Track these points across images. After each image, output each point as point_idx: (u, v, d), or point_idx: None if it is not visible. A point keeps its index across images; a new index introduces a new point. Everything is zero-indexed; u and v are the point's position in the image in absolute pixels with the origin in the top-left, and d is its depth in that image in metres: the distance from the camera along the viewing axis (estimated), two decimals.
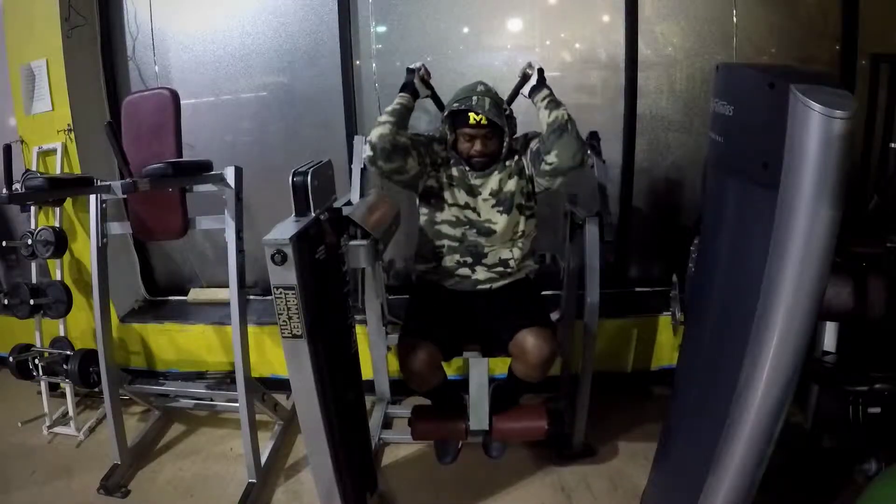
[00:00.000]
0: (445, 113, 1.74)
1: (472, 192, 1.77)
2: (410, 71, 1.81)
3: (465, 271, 1.79)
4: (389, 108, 1.71)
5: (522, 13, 2.38)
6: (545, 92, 1.73)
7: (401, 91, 1.78)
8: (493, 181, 1.76)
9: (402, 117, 1.70)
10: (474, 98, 1.65)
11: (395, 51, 2.36)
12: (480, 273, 1.78)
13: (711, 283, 1.33)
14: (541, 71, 1.76)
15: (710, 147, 1.30)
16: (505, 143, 1.73)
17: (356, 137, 2.06)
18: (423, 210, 1.83)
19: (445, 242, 1.79)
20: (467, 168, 1.77)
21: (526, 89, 1.78)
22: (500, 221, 1.75)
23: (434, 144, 1.79)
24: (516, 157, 1.78)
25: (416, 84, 1.79)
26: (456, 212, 1.77)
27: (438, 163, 1.78)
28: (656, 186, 2.47)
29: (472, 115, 1.64)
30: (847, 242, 1.45)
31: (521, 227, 1.79)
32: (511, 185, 1.75)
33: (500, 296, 1.79)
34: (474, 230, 1.76)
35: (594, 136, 2.02)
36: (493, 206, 1.76)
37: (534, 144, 1.73)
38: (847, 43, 2.29)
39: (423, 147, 1.76)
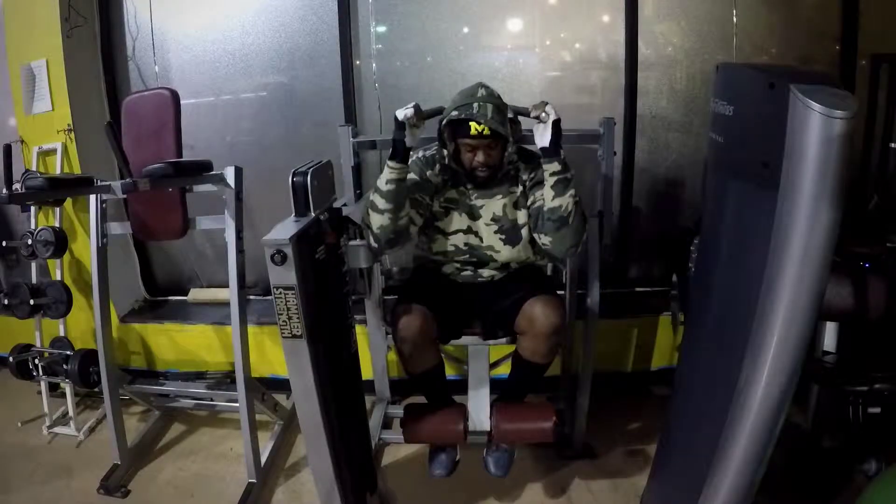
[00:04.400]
0: (444, 122, 1.56)
1: (473, 214, 1.66)
2: (400, 125, 1.49)
3: (466, 274, 1.75)
4: (384, 188, 1.50)
5: (522, 13, 2.37)
6: (555, 166, 1.50)
7: (391, 157, 1.51)
8: (496, 205, 1.65)
9: (399, 198, 1.51)
10: (475, 105, 1.48)
11: (395, 51, 2.36)
12: (484, 273, 1.74)
13: (711, 283, 1.33)
14: (556, 125, 1.49)
15: (710, 147, 1.31)
16: (507, 152, 1.60)
17: (340, 129, 1.96)
18: (422, 238, 1.72)
19: (442, 259, 1.73)
20: (468, 186, 1.66)
21: (538, 139, 1.52)
22: (503, 251, 1.67)
23: (428, 173, 1.64)
24: (521, 188, 1.65)
25: (409, 140, 1.51)
26: (455, 240, 1.67)
27: (433, 192, 1.65)
28: (656, 186, 2.47)
29: (473, 124, 1.49)
30: (847, 242, 1.45)
31: (532, 258, 1.74)
32: (520, 217, 1.66)
33: (505, 280, 1.73)
34: (475, 258, 1.69)
35: (609, 122, 1.85)
36: (495, 233, 1.66)
37: (538, 196, 1.58)
38: (847, 43, 2.29)
39: (420, 193, 1.62)
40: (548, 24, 2.38)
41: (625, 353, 2.37)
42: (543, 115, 1.50)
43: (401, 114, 1.49)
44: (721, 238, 1.28)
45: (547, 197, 1.52)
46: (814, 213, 0.99)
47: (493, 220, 1.65)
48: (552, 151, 1.50)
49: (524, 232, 1.66)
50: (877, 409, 1.67)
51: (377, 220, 1.52)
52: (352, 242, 1.59)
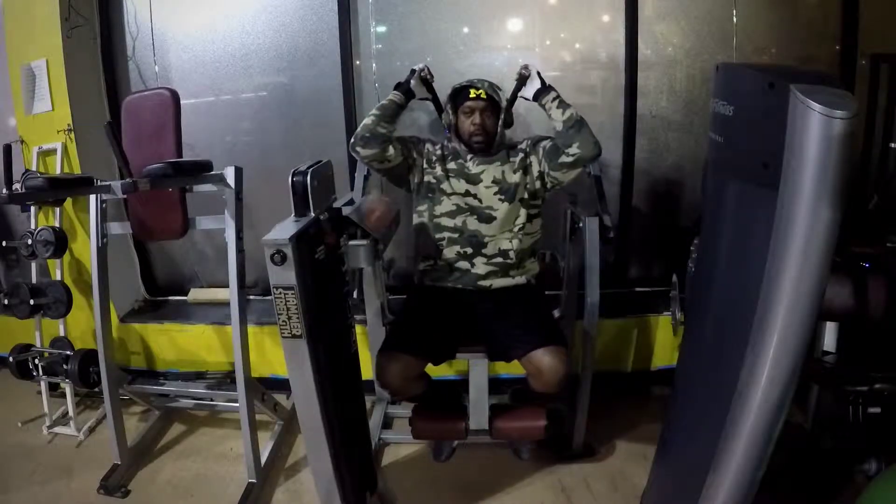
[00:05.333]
0: (448, 96, 1.84)
1: (473, 180, 1.82)
2: (413, 72, 1.85)
3: (464, 264, 1.80)
4: (380, 104, 1.80)
5: (522, 13, 2.37)
6: (553, 94, 1.76)
7: (396, 88, 1.83)
8: (495, 170, 1.82)
9: (388, 111, 1.77)
10: (474, 80, 1.80)
11: (395, 51, 2.36)
12: (480, 266, 1.80)
13: (711, 283, 1.33)
14: (539, 74, 1.81)
15: (710, 147, 1.30)
16: (500, 124, 1.80)
17: None
18: (421, 207, 1.85)
19: (445, 235, 1.81)
20: (467, 157, 1.83)
21: (528, 92, 1.81)
22: (500, 209, 1.80)
23: (428, 144, 1.87)
24: (521, 155, 1.83)
25: (413, 85, 1.83)
26: (456, 200, 1.81)
27: (433, 160, 1.84)
28: (656, 186, 2.47)
29: (472, 89, 1.77)
30: (847, 242, 1.45)
31: (522, 219, 1.82)
32: (516, 177, 1.81)
33: (504, 300, 1.78)
34: (474, 216, 1.80)
35: None
36: (495, 194, 1.81)
37: (546, 143, 1.80)
38: (847, 43, 2.29)
39: (412, 144, 1.86)
40: (548, 24, 2.38)
41: (625, 353, 2.37)
42: (525, 71, 1.81)
43: (416, 67, 1.86)
44: (721, 238, 1.28)
45: (556, 118, 1.74)
46: (814, 213, 0.98)
47: (493, 182, 1.82)
48: (545, 88, 1.78)
49: (520, 190, 1.82)
50: (877, 409, 1.67)
51: (363, 122, 1.77)
52: (352, 242, 1.59)
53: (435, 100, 1.93)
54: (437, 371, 1.82)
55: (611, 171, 2.39)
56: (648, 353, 2.37)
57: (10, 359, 2.29)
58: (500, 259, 1.80)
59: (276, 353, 2.34)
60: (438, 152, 1.86)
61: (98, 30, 2.40)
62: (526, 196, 1.82)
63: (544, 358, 1.59)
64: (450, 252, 1.81)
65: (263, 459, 1.98)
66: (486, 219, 1.80)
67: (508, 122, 1.85)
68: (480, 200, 1.81)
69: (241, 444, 1.91)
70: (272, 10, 2.35)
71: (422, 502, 1.87)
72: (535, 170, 1.82)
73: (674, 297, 1.92)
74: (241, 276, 1.80)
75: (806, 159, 0.96)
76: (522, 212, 1.82)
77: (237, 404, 1.88)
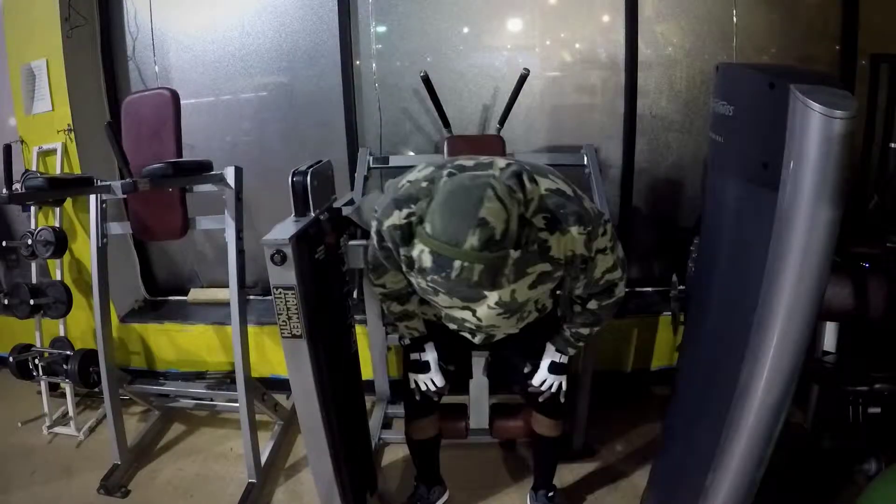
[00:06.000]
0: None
1: (473, 298, 1.26)
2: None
3: (466, 335, 1.52)
4: (395, 311, 1.48)
5: (522, 13, 2.37)
6: (571, 352, 1.49)
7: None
8: (503, 293, 1.30)
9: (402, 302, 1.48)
10: (456, 266, 0.98)
11: (395, 51, 2.36)
12: (479, 339, 1.53)
13: (711, 283, 1.33)
14: (553, 365, 1.48)
15: (710, 147, 1.31)
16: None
17: (361, 150, 2.15)
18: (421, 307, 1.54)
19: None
20: None
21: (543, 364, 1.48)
22: (504, 325, 1.43)
23: (401, 250, 1.36)
24: (547, 265, 1.24)
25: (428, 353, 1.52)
26: (451, 313, 1.44)
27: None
28: (656, 186, 2.47)
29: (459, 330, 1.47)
30: (847, 242, 1.45)
31: (533, 317, 1.47)
32: (532, 294, 1.32)
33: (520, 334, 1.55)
34: (471, 334, 1.51)
35: (590, 148, 2.06)
36: (498, 315, 1.38)
37: (579, 287, 1.36)
38: (847, 43, 2.29)
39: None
40: (548, 24, 2.38)
41: (625, 353, 2.37)
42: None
43: (425, 386, 1.51)
44: (721, 238, 1.28)
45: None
46: (814, 213, 0.98)
47: (497, 304, 1.33)
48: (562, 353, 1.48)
49: (529, 304, 1.39)
50: (877, 409, 1.67)
51: (387, 307, 1.49)
52: (352, 242, 1.59)
53: (436, 101, 1.87)
54: None
55: (611, 172, 2.40)
56: (648, 353, 2.37)
57: (10, 359, 2.29)
58: (503, 336, 1.52)
59: (276, 353, 2.34)
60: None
61: (98, 30, 2.40)
62: (532, 309, 1.43)
63: (538, 418, 1.59)
64: (451, 325, 1.51)
65: (263, 459, 1.98)
66: (488, 336, 1.50)
67: (531, 240, 1.16)
68: (480, 319, 1.39)
69: (241, 444, 1.91)
70: (272, 10, 2.35)
71: None
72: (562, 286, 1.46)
73: (674, 297, 1.92)
74: (241, 276, 1.80)
75: (806, 159, 0.97)
76: (534, 315, 1.46)
77: (237, 404, 1.88)
